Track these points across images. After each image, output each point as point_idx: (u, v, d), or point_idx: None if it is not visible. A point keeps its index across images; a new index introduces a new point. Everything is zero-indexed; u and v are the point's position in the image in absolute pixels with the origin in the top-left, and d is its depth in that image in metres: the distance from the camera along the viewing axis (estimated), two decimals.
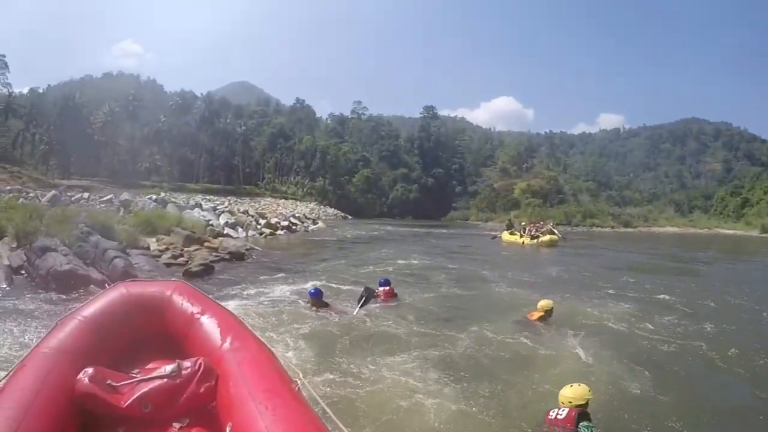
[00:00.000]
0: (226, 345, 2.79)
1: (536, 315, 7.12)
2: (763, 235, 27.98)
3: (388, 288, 7.95)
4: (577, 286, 11.13)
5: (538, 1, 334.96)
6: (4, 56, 57.10)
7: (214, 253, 12.53)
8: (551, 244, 21.95)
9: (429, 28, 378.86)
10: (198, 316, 3.03)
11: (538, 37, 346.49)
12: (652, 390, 4.64)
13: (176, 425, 2.47)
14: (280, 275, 10.47)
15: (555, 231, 23.91)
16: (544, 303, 7.29)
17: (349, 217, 43.27)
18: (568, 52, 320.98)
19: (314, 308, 6.91)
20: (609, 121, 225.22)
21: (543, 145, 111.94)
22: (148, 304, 3.10)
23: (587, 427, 3.53)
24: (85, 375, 2.36)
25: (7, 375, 2.33)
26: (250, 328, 3.05)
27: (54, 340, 2.65)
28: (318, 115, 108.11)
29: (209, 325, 2.96)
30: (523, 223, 26.22)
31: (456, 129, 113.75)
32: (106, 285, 7.94)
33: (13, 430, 1.89)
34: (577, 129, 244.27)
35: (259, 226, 21.82)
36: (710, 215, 46.72)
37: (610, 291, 10.25)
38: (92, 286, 7.56)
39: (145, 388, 2.48)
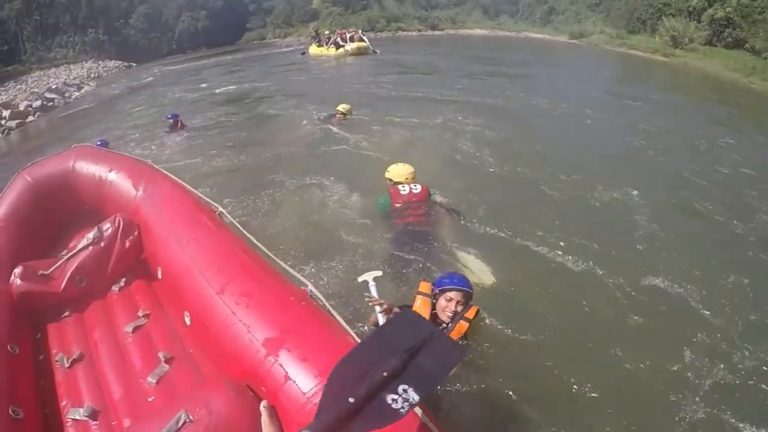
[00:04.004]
0: (140, 193, 2.78)
1: (336, 117, 8.00)
2: (572, 41, 29.58)
3: (177, 119, 9.14)
4: (383, 92, 11.58)
5: None
6: None
7: None
8: (360, 52, 20.91)
9: None
10: (106, 175, 2.95)
11: None
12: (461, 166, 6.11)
13: (115, 288, 2.58)
14: None
15: (364, 38, 22.45)
16: (341, 106, 8.12)
17: (134, 65, 36.49)
18: None
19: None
20: None
21: None
22: (54, 182, 2.96)
23: (435, 193, 3.98)
24: (16, 276, 2.37)
25: None
26: (162, 169, 2.99)
27: None
28: None
29: (119, 180, 2.91)
30: (327, 33, 24.42)
31: None
32: None
33: None
34: None
35: (3, 122, 16.56)
36: (517, 20, 46.63)
37: (419, 94, 11.02)
38: None
39: (74, 264, 2.49)
